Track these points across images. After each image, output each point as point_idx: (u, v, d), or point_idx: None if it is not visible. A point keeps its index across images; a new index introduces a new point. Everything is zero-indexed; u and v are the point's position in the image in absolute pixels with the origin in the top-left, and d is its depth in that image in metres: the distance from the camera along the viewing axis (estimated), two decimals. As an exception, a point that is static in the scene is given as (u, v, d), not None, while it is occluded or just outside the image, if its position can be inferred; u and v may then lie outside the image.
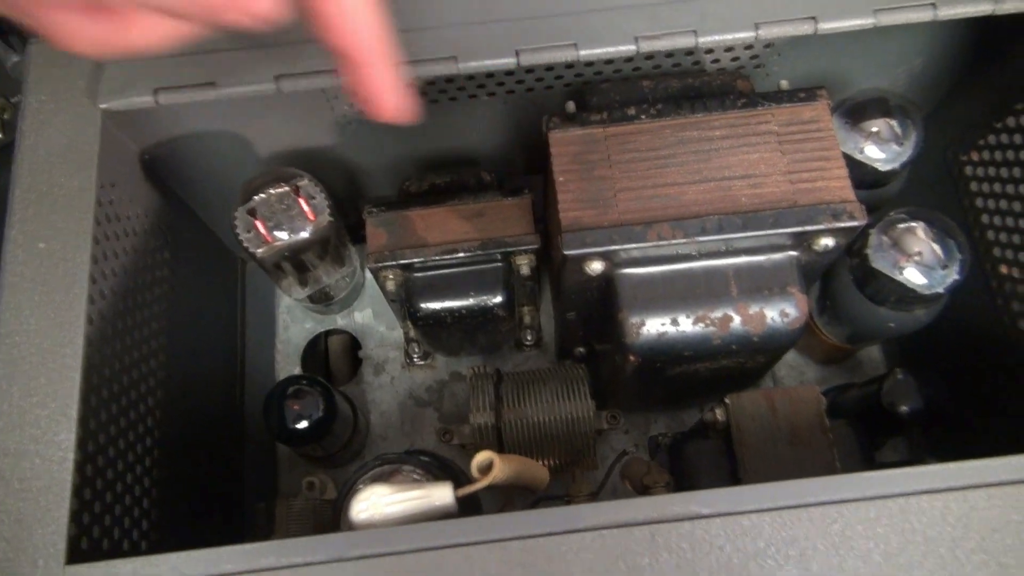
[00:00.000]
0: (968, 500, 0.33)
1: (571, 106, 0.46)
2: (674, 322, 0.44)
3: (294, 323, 0.64)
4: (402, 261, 0.50)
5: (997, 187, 0.52)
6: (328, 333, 0.65)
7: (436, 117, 0.52)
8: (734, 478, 0.45)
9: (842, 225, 0.43)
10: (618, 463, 0.52)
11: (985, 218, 0.53)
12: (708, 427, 0.47)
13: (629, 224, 0.43)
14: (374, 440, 0.60)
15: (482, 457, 0.39)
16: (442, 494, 0.36)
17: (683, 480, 0.47)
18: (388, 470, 0.41)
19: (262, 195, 0.51)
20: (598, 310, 0.51)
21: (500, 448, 0.49)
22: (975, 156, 0.54)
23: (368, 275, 0.64)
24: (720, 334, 0.44)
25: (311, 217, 0.51)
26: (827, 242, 0.44)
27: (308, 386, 0.50)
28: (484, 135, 0.55)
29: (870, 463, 0.47)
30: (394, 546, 0.33)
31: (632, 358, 0.45)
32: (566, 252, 0.43)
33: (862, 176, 0.50)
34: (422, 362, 0.62)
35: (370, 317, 0.64)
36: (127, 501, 0.42)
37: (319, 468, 0.58)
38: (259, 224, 0.50)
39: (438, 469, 0.41)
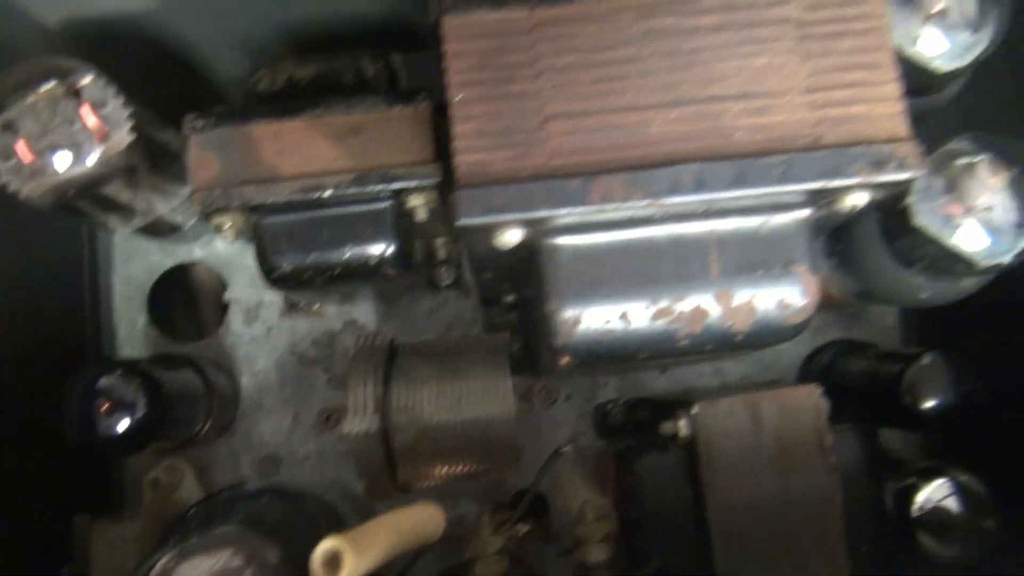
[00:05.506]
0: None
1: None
2: (623, 317, 0.30)
3: (137, 255, 0.48)
4: (243, 202, 0.35)
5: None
6: (183, 267, 0.50)
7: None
8: (697, 511, 0.34)
9: (886, 179, 0.28)
10: (550, 467, 0.39)
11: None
12: (667, 438, 0.35)
13: (561, 175, 0.28)
14: (248, 410, 0.47)
15: (326, 547, 0.26)
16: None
17: (629, 508, 0.35)
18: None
19: (22, 100, 0.34)
20: (523, 275, 0.36)
21: (390, 457, 0.36)
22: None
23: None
24: (689, 332, 0.30)
25: (100, 134, 0.34)
26: (857, 200, 0.29)
27: (115, 376, 0.36)
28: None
29: (878, 491, 0.35)
30: None
31: (565, 359, 0.32)
32: (461, 222, 0.28)
33: (907, 77, 0.35)
34: (307, 308, 0.48)
35: (235, 247, 0.49)
36: None
37: (173, 453, 0.46)
38: (22, 147, 0.34)
39: (279, 531, 0.29)
